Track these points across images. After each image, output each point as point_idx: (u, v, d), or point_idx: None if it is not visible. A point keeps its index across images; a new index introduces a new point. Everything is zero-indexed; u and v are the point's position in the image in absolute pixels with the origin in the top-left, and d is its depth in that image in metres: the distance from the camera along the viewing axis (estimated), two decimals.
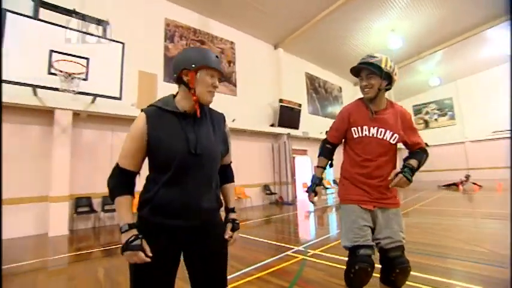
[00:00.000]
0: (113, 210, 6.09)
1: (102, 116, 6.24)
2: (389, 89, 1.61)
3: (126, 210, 1.04)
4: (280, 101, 10.40)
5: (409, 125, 1.64)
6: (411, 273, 2.44)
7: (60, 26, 4.32)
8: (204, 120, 1.16)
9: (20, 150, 5.33)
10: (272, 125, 10.38)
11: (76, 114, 5.78)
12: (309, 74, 13.49)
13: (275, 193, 9.85)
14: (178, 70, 1.09)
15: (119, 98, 5.02)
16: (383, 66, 1.51)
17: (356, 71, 1.63)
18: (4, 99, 4.87)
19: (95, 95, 4.59)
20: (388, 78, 1.56)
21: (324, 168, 1.78)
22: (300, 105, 11.22)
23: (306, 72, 13.30)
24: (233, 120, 8.89)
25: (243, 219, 6.60)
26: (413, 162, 1.56)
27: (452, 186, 12.17)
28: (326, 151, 1.77)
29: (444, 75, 16.78)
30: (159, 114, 1.08)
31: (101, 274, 3.01)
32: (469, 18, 10.98)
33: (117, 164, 1.07)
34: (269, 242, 4.17)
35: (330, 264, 2.92)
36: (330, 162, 1.79)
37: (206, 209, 1.11)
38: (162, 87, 7.46)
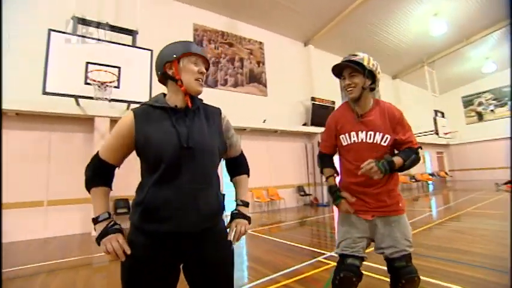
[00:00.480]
0: None
1: None
2: (374, 88, 1.52)
3: (102, 200, 1.00)
4: (313, 99, 10.05)
5: (398, 122, 1.49)
6: (451, 286, 2.16)
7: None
8: (197, 114, 1.08)
9: (67, 156, 5.84)
10: (305, 124, 10.08)
11: (113, 121, 6.15)
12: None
13: (309, 194, 9.53)
14: (161, 67, 1.05)
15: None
16: (365, 63, 1.44)
17: (338, 72, 1.55)
18: (53, 110, 5.39)
19: (127, 102, 4.84)
20: (372, 77, 1.48)
21: (334, 177, 1.68)
22: (333, 102, 10.73)
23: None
24: (264, 121, 8.80)
25: (276, 221, 6.45)
26: (396, 158, 1.42)
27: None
28: (326, 161, 1.71)
29: (502, 59, 14.83)
30: (148, 111, 1.03)
31: None
32: None
33: (97, 154, 1.03)
34: (300, 246, 3.96)
35: (365, 272, 2.65)
36: (335, 170, 1.68)
37: (204, 211, 0.99)
38: None
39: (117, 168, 1.08)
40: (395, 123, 1.48)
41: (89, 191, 1.02)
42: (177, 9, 8.07)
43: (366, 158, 1.41)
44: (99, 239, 0.93)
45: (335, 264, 1.51)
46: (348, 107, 1.59)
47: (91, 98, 4.42)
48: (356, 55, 1.48)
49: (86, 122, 5.97)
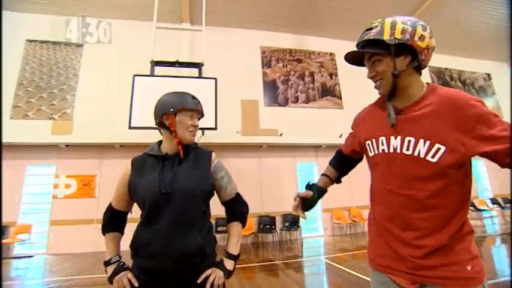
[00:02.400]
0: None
1: (212, 145, 6.99)
2: (420, 66, 0.90)
3: (113, 245, 1.17)
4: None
5: (479, 118, 0.79)
6: None
7: (165, 76, 5.29)
8: (186, 160, 1.16)
9: None
10: None
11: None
12: (434, 67, 10.88)
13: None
14: (159, 116, 1.16)
15: (215, 128, 5.53)
16: (386, 37, 0.87)
17: (357, 61, 1.00)
18: (145, 141, 6.29)
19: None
20: (409, 50, 0.87)
21: (331, 180, 1.22)
22: None
23: (428, 67, 10.82)
24: (340, 136, 8.08)
25: (358, 246, 5.64)
26: None
27: None
28: (334, 159, 1.28)
29: None
30: (144, 160, 1.18)
31: None
32: None
33: (110, 203, 1.21)
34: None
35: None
36: (339, 175, 1.23)
37: (184, 252, 1.05)
38: (264, 111, 7.76)
39: (130, 213, 1.24)
40: (471, 124, 0.79)
41: (104, 235, 1.19)
42: (243, 35, 8.50)
43: (399, 179, 0.89)
44: (111, 277, 1.08)
45: None
46: (383, 101, 1.02)
47: None
48: (372, 28, 0.92)
49: None
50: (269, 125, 7.56)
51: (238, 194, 1.27)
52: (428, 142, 0.84)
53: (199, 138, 6.49)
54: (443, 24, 9.33)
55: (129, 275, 1.07)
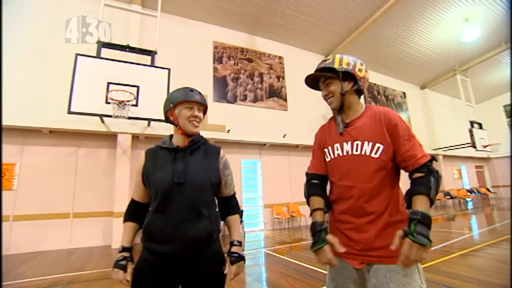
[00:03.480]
0: None
1: (157, 138, 6.75)
2: (360, 90, 1.25)
3: (126, 234, 1.24)
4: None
5: (397, 129, 1.14)
6: None
7: (115, 60, 4.94)
8: (196, 152, 1.27)
9: (93, 171, 6.15)
10: None
11: (135, 137, 6.41)
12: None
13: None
14: (164, 113, 1.30)
15: (165, 121, 5.37)
16: (336, 66, 1.22)
17: (315, 84, 1.34)
18: (82, 128, 5.75)
19: (144, 119, 5.01)
20: (351, 78, 1.22)
21: (324, 211, 1.25)
22: None
23: None
24: (284, 136, 8.68)
25: (296, 239, 6.20)
26: (421, 203, 1.01)
27: None
28: (312, 187, 1.31)
29: None
30: (156, 151, 1.28)
31: None
32: None
33: (132, 195, 1.31)
34: (315, 269, 3.71)
35: None
36: (325, 201, 1.26)
37: (194, 238, 1.14)
38: (213, 106, 7.78)
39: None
40: (391, 129, 1.14)
41: (123, 224, 1.28)
42: (197, 28, 8.39)
43: (352, 175, 1.15)
44: (113, 266, 1.17)
45: None
46: (333, 119, 1.34)
47: (110, 116, 4.63)
48: (326, 60, 1.26)
49: (110, 138, 6.27)
50: (217, 120, 7.64)
51: (235, 192, 1.40)
52: (371, 143, 1.15)
53: (145, 129, 6.23)
54: (376, 46, 10.78)
55: (120, 274, 1.13)
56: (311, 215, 1.26)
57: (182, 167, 1.19)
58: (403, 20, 9.59)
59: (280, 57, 10.08)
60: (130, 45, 5.28)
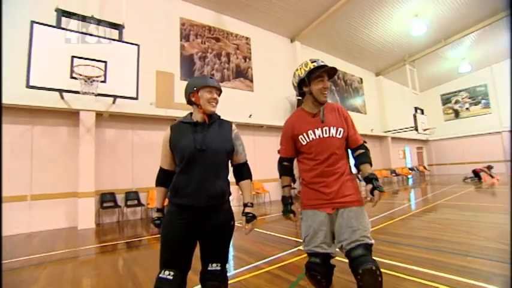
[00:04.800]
0: (135, 206, 6.42)
1: (123, 116, 6.55)
2: None
3: (158, 197, 1.55)
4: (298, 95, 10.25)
5: (347, 120, 1.67)
6: (423, 270, 2.41)
7: (79, 32, 4.58)
8: (213, 126, 1.52)
9: (51, 150, 5.77)
10: None
11: (99, 115, 6.12)
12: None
13: (294, 188, 9.76)
14: (187, 95, 1.54)
15: (136, 98, 5.24)
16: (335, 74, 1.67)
17: (311, 73, 1.62)
18: (37, 104, 5.30)
19: (113, 96, 4.83)
20: None
21: (290, 186, 1.79)
22: None
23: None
24: (250, 116, 8.93)
25: (261, 213, 6.65)
26: (369, 168, 1.63)
27: (476, 178, 11.51)
28: (285, 169, 1.79)
29: (476, 60, 15.60)
30: (180, 126, 1.52)
31: (120, 264, 3.20)
32: None
33: (160, 164, 1.56)
34: (283, 236, 4.18)
35: (341, 259, 2.87)
36: (293, 179, 1.80)
37: (212, 194, 1.41)
38: (179, 85, 7.63)
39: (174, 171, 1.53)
40: (344, 119, 1.66)
41: (155, 188, 1.56)
42: (163, 3, 7.98)
43: (324, 152, 1.58)
44: (152, 221, 1.57)
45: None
46: (302, 111, 1.72)
47: (77, 92, 4.39)
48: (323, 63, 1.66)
49: (71, 115, 5.90)
50: (183, 99, 7.50)
51: (247, 160, 1.64)
52: (335, 128, 1.62)
53: (110, 107, 5.98)
54: (338, 33, 11.34)
55: (155, 229, 1.48)
56: (283, 188, 1.80)
57: (202, 137, 1.44)
58: (363, 11, 10.19)
59: (247, 38, 10.10)
60: (94, 16, 4.91)
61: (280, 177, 1.81)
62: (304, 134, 1.64)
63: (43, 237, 4.90)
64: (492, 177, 11.53)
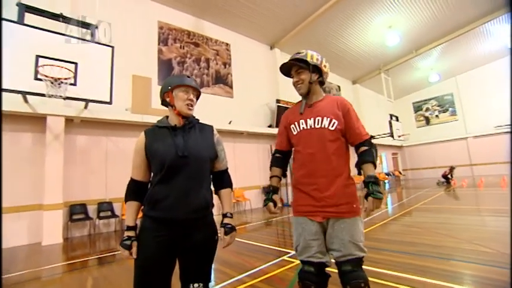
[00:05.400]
0: (109, 217, 6.00)
1: (95, 122, 6.16)
2: (322, 81, 1.58)
3: (129, 213, 1.32)
4: (278, 101, 10.28)
5: (349, 112, 1.49)
6: (411, 277, 2.39)
7: (45, 30, 4.22)
8: (192, 131, 1.38)
9: (12, 158, 5.25)
10: (270, 126, 10.27)
11: (69, 120, 5.70)
12: None
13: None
14: (161, 95, 1.40)
15: (109, 103, 4.92)
16: (309, 59, 1.50)
17: (286, 71, 1.60)
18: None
19: (84, 100, 4.50)
20: (318, 71, 1.53)
21: (279, 178, 1.66)
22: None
23: None
24: (230, 122, 8.79)
25: (242, 222, 6.48)
26: (370, 169, 1.41)
27: (444, 182, 12.36)
28: (275, 160, 1.68)
29: (444, 71, 16.65)
30: (155, 131, 1.36)
31: (89, 284, 2.90)
32: (467, 12, 10.87)
33: (131, 176, 1.36)
34: (265, 246, 4.05)
35: (329, 269, 2.79)
36: (283, 171, 1.67)
37: (196, 206, 1.26)
38: (157, 91, 7.32)
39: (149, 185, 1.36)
40: (346, 113, 1.48)
41: (125, 203, 1.35)
42: (140, 5, 7.72)
43: (314, 144, 1.44)
44: (121, 243, 1.26)
45: (299, 262, 1.52)
46: (299, 103, 1.62)
47: (43, 95, 4.03)
48: (300, 52, 1.54)
49: (36, 120, 5.43)
50: (161, 105, 7.27)
51: (227, 168, 1.51)
52: (328, 118, 1.46)
53: (81, 112, 5.60)
54: (317, 41, 11.57)
55: (126, 253, 1.23)
56: (270, 179, 1.67)
57: (183, 143, 1.30)
58: (341, 20, 10.52)
59: (227, 44, 10.03)
60: (64, 14, 4.58)
61: (270, 169, 1.68)
62: (295, 123, 1.54)
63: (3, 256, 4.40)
64: (450, 179, 12.50)
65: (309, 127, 1.49)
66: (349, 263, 1.33)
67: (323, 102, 1.53)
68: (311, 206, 1.44)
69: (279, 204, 1.52)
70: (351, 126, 1.47)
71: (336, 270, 1.40)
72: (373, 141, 1.54)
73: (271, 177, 1.66)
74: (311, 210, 1.44)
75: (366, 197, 1.37)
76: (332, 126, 1.45)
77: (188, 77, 1.41)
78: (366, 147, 1.46)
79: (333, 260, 1.43)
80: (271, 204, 1.54)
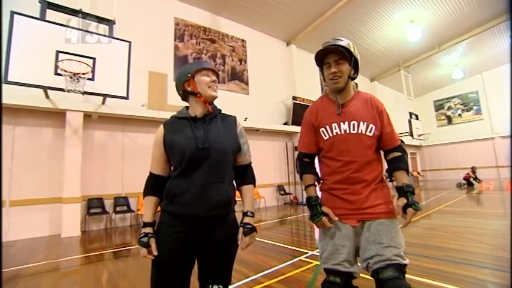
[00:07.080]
0: (124, 212, 6.08)
1: (112, 117, 6.24)
2: (355, 78, 1.39)
3: (147, 209, 1.23)
4: (294, 98, 10.10)
5: (382, 114, 1.35)
6: (434, 283, 2.22)
7: (65, 26, 4.29)
8: (214, 121, 1.28)
9: (34, 152, 5.42)
10: (286, 123, 10.12)
11: (87, 116, 5.81)
12: None
13: (290, 193, 9.59)
14: (181, 86, 1.29)
15: (126, 98, 4.96)
16: (352, 50, 1.33)
17: (321, 58, 1.36)
18: (18, 102, 4.96)
19: (102, 95, 4.55)
20: (355, 67, 1.36)
21: (315, 185, 1.43)
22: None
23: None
24: (245, 119, 8.72)
25: (257, 220, 6.39)
26: (406, 178, 1.31)
27: (465, 184, 11.60)
28: (305, 166, 1.45)
29: (468, 67, 15.83)
30: (174, 122, 1.27)
31: (104, 278, 2.90)
32: (494, 6, 10.23)
33: (150, 171, 1.27)
34: (282, 245, 3.94)
35: (356, 281, 2.66)
36: (317, 177, 1.44)
37: (216, 202, 1.17)
38: (173, 86, 7.36)
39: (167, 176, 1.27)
40: (378, 113, 1.34)
41: (143, 199, 1.26)
42: (158, 1, 7.76)
43: (351, 151, 1.29)
44: (138, 240, 1.16)
45: (317, 263, 1.37)
46: (327, 98, 1.43)
47: (62, 89, 4.09)
48: (340, 39, 1.34)
49: (56, 116, 5.57)
50: (177, 101, 7.28)
51: (251, 162, 1.39)
52: (365, 123, 1.31)
53: (99, 107, 5.68)
54: (334, 36, 11.19)
55: (144, 251, 1.14)
56: (305, 189, 1.43)
57: (204, 134, 1.21)
58: (359, 15, 10.18)
59: (243, 40, 9.95)
60: (83, 10, 4.64)
61: (300, 177, 1.46)
62: (327, 127, 1.34)
63: (21, 247, 4.53)
64: (478, 182, 11.69)
65: (343, 132, 1.32)
66: (390, 268, 1.14)
67: (355, 101, 1.36)
68: (344, 208, 1.30)
69: (334, 218, 1.30)
70: (383, 129, 1.34)
71: (365, 283, 1.25)
72: None
73: (306, 186, 1.42)
74: (344, 213, 1.30)
75: (405, 208, 1.22)
76: (370, 132, 1.31)
77: (204, 61, 1.32)
78: (399, 153, 1.35)
79: (362, 273, 1.26)
80: (325, 218, 1.29)
